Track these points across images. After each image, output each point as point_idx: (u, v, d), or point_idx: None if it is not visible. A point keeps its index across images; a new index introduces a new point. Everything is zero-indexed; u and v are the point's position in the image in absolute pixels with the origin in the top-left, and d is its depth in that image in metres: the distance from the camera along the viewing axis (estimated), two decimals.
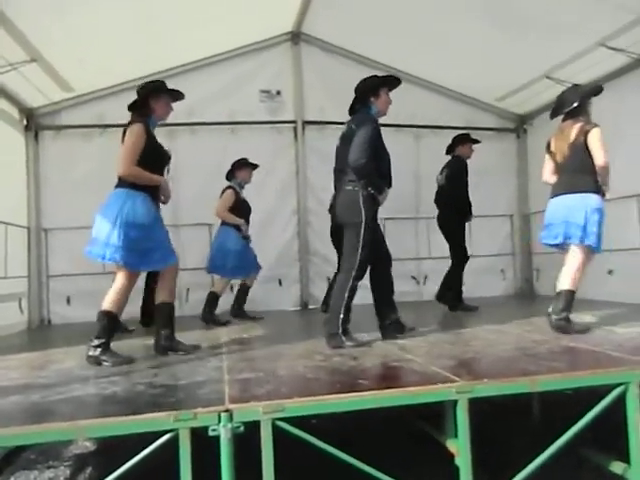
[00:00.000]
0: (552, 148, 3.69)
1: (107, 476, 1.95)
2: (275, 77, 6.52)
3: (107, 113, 5.95)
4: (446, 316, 5.02)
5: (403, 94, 6.61)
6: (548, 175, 3.76)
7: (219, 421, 1.93)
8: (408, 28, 5.54)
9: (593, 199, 3.45)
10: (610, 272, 5.13)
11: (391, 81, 3.69)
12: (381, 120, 3.70)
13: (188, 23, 5.15)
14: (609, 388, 2.32)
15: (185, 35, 5.36)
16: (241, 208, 5.10)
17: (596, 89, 3.77)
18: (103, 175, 5.43)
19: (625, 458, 2.32)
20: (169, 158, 3.39)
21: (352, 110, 3.70)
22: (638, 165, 4.90)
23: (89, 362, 3.02)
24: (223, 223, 5.08)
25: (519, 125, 7.14)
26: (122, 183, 3.14)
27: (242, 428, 1.95)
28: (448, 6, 5.02)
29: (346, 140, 3.46)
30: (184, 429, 1.91)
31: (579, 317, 3.98)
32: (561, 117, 3.71)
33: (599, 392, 2.34)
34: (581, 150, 3.50)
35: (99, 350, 3.02)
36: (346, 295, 3.33)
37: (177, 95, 3.44)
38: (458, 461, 2.15)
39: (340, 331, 3.30)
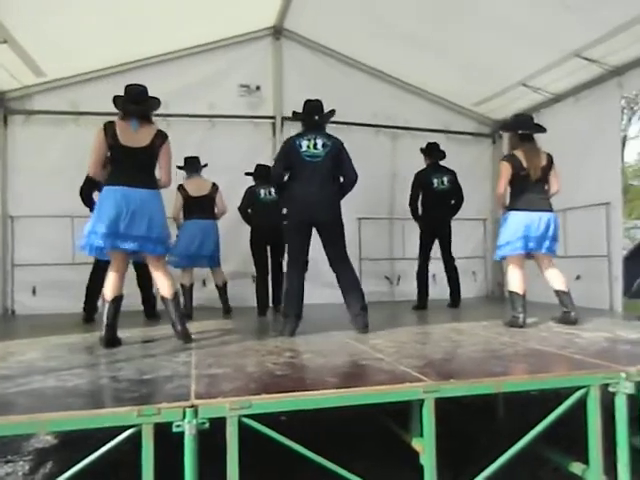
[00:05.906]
0: (525, 165, 3.90)
1: (67, 471, 1.90)
2: (255, 72, 6.44)
3: (81, 100, 5.81)
4: (418, 317, 5.06)
5: (383, 95, 6.75)
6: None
7: (184, 417, 1.90)
8: (390, 29, 5.54)
9: None
10: (578, 277, 5.25)
11: None
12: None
13: (168, 13, 5.05)
14: (572, 390, 2.37)
15: (165, 25, 5.26)
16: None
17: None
18: (74, 163, 5.37)
19: (584, 459, 2.38)
20: None
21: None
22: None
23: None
24: None
25: (495, 130, 7.23)
26: (155, 186, 3.44)
27: (207, 424, 1.93)
28: (430, 11, 5.03)
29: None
30: (147, 424, 1.87)
31: (545, 322, 4.08)
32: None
33: (563, 394, 2.39)
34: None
35: None
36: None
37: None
38: (423, 459, 2.17)
39: None
